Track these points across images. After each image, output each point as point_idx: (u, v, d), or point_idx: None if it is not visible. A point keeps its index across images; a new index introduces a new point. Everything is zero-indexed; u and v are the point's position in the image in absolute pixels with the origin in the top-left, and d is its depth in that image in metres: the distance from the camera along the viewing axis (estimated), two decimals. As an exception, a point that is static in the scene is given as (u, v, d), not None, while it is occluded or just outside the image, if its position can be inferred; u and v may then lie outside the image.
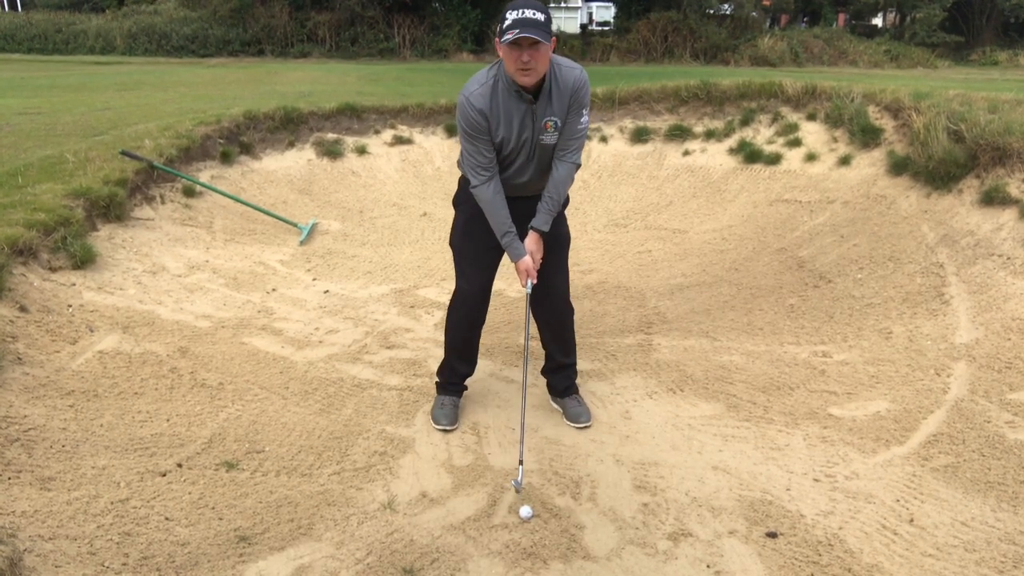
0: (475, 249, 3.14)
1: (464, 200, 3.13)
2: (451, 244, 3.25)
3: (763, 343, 4.08)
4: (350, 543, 2.53)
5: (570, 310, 3.32)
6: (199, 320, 4.23)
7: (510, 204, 2.97)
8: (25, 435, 2.89)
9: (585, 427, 3.28)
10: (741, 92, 7.44)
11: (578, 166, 3.02)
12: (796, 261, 5.16)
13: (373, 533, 2.59)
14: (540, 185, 3.02)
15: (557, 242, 3.14)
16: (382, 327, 4.32)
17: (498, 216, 2.95)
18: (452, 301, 3.25)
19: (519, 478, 2.76)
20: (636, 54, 20.38)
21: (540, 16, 2.65)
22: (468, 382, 3.43)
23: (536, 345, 3.48)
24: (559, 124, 2.89)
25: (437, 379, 3.40)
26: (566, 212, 3.26)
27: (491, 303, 3.31)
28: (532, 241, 3.02)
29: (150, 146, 5.91)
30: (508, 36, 2.62)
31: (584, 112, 2.90)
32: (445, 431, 3.23)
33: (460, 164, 3.12)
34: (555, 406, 3.44)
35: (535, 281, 3.05)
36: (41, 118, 8.02)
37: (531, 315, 3.21)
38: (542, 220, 3.00)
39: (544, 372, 3.47)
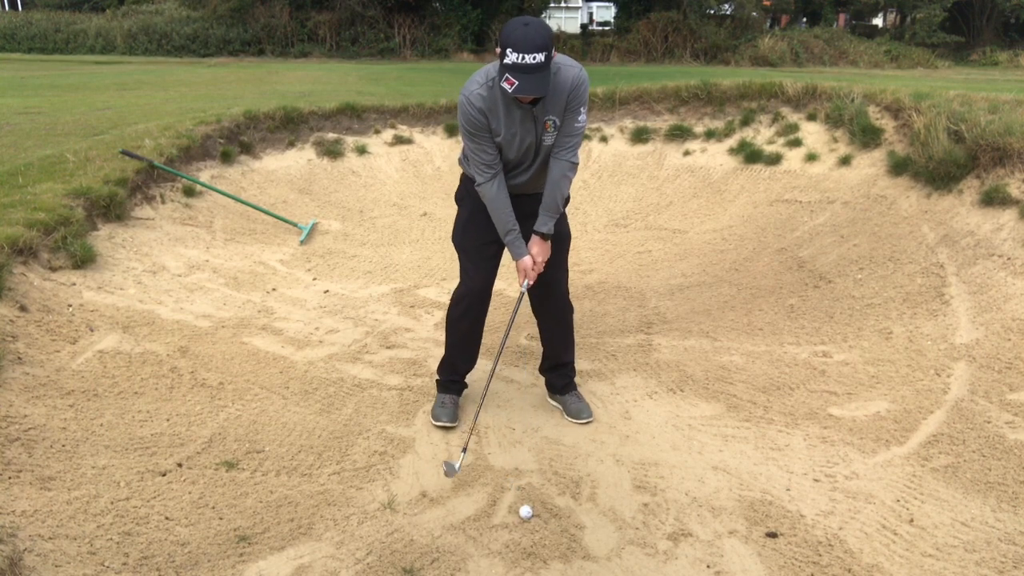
0: (478, 244, 3.14)
1: (466, 195, 3.14)
2: (453, 240, 3.26)
3: (763, 343, 4.08)
4: (350, 543, 2.53)
5: (570, 308, 3.32)
6: (199, 320, 4.23)
7: (512, 202, 2.97)
8: (25, 435, 2.89)
9: (587, 423, 3.28)
10: (741, 92, 7.44)
11: (575, 165, 2.99)
12: (796, 261, 5.16)
13: (373, 533, 2.59)
14: (540, 182, 3.01)
15: (558, 239, 3.14)
16: (382, 327, 4.32)
17: (502, 214, 2.95)
18: (454, 296, 3.24)
19: (457, 463, 2.74)
20: (636, 54, 20.38)
21: (541, 56, 2.57)
22: (468, 381, 3.43)
23: (535, 344, 3.48)
24: (558, 123, 2.88)
25: (438, 376, 3.40)
26: (566, 210, 3.25)
27: (491, 302, 3.31)
28: (536, 245, 3.01)
29: (150, 146, 5.91)
30: (506, 85, 2.59)
31: (582, 110, 2.88)
32: (445, 428, 3.23)
33: (461, 161, 3.12)
34: (554, 404, 3.44)
35: (532, 283, 3.06)
36: (41, 118, 8.01)
37: (530, 312, 3.21)
38: (545, 223, 2.99)
39: (542, 370, 3.46)
